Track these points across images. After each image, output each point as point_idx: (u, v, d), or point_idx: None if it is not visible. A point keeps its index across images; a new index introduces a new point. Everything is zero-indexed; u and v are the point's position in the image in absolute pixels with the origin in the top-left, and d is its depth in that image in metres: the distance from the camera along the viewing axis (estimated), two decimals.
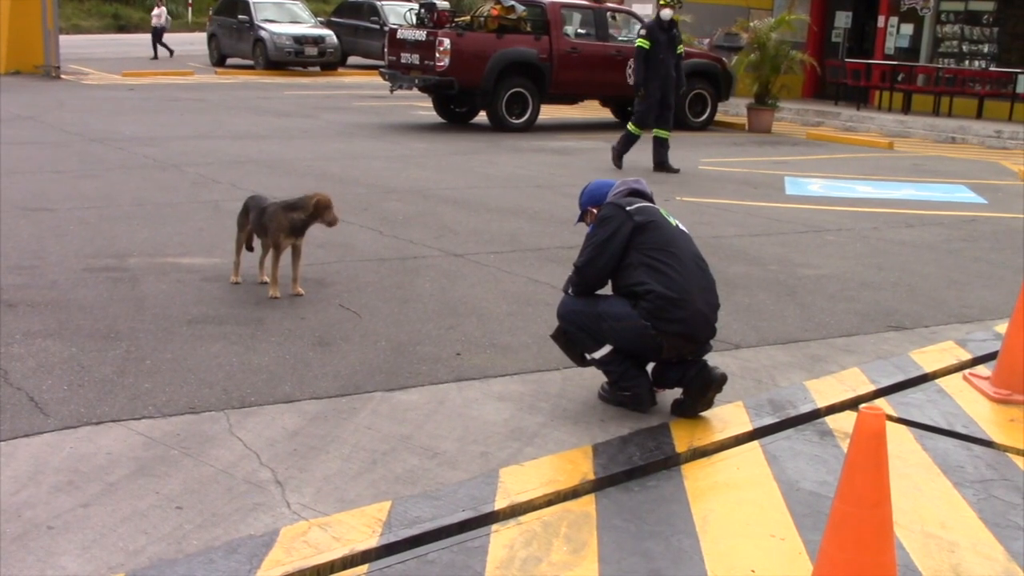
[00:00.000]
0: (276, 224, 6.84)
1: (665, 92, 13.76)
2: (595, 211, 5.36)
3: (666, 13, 13.80)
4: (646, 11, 23.69)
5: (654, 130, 13.81)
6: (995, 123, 20.16)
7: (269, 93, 22.86)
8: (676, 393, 5.23)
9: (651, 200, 5.34)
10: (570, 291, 5.33)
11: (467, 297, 7.15)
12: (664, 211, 5.27)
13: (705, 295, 5.10)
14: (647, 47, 13.66)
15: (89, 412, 4.87)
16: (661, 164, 13.79)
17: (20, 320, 6.17)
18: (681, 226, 5.29)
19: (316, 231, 7.25)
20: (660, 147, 13.84)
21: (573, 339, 5.30)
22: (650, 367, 5.27)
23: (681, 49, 14.17)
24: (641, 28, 14.47)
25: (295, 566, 3.56)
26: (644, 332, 5.00)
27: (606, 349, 5.18)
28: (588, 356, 5.29)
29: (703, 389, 5.09)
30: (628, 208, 5.11)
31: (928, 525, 4.13)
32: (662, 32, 13.73)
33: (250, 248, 7.29)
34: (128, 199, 10.10)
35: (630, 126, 13.93)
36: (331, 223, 6.94)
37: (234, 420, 4.88)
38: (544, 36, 17.81)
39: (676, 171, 13.65)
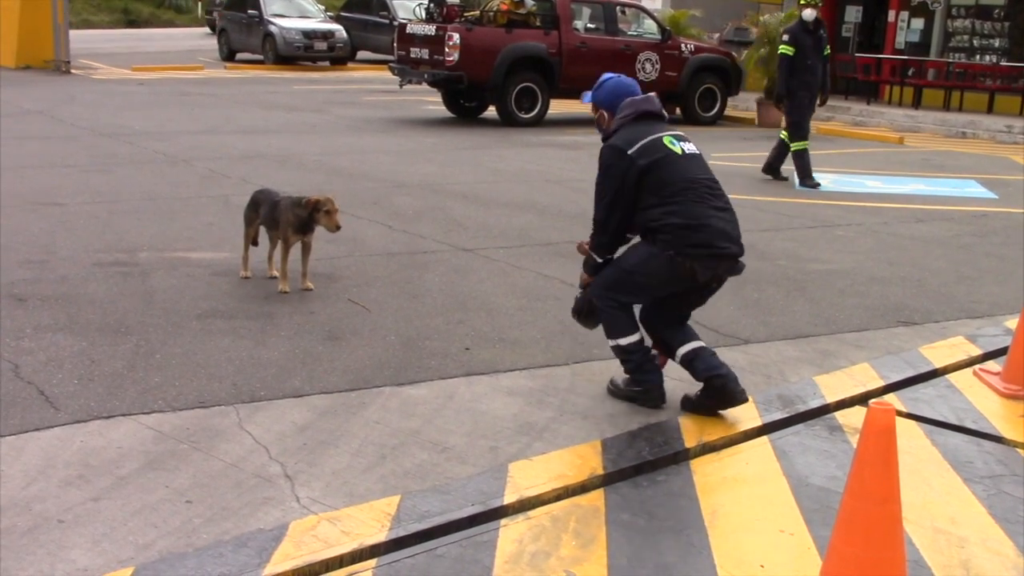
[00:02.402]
0: (285, 219, 6.85)
1: (813, 99, 12.72)
2: (605, 114, 5.29)
3: (808, 13, 12.48)
4: (655, 5, 23.68)
5: (781, 132, 12.95)
6: (1006, 118, 20.08)
7: (278, 88, 22.87)
8: (682, 388, 5.22)
9: (662, 117, 5.26)
10: (594, 255, 5.25)
11: (476, 292, 7.15)
12: (669, 138, 5.12)
13: (722, 214, 5.06)
14: (791, 54, 12.44)
15: (99, 406, 4.89)
16: (771, 167, 12.96)
17: (30, 314, 6.19)
18: (689, 148, 5.17)
19: (331, 233, 7.24)
20: (780, 152, 12.89)
21: (610, 321, 5.21)
22: (686, 348, 5.14)
23: (828, 51, 12.88)
24: (784, 33, 13.00)
25: (304, 560, 3.57)
26: (672, 261, 4.96)
27: (635, 337, 5.16)
28: (614, 342, 5.23)
29: (721, 402, 5.08)
30: (630, 152, 5.01)
31: (938, 520, 4.12)
32: (807, 35, 12.51)
33: (255, 243, 7.29)
34: (138, 194, 10.12)
35: (793, 145, 12.66)
36: (330, 228, 6.86)
37: (244, 414, 4.89)
38: (553, 31, 17.78)
39: (784, 179, 12.78)
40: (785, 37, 12.76)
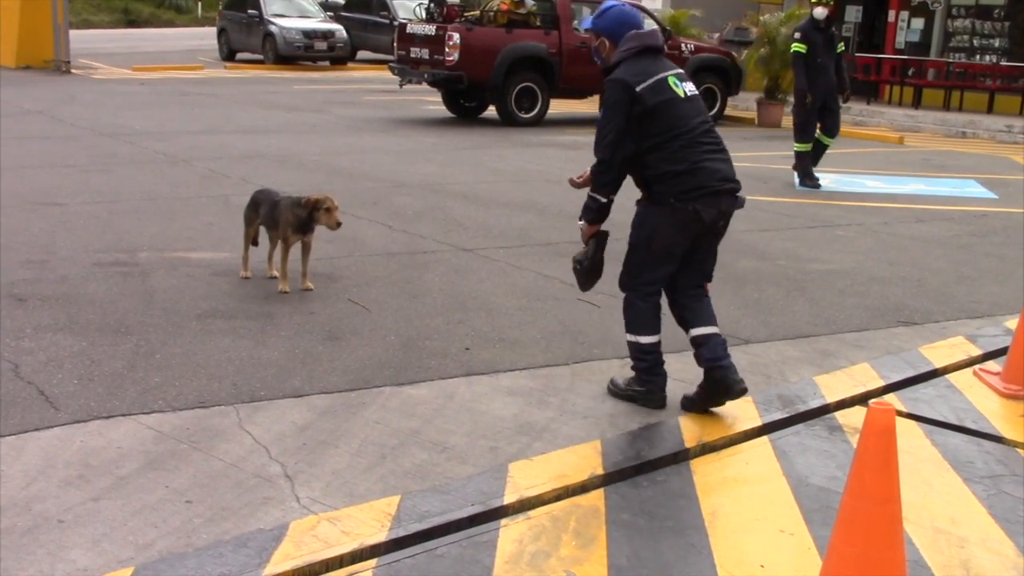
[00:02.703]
0: (285, 219, 6.85)
1: (825, 98, 12.42)
2: (606, 42, 5.23)
3: (819, 12, 12.27)
4: (655, 5, 23.67)
5: (819, 135, 12.57)
6: (1006, 118, 20.07)
7: (278, 87, 22.87)
8: (682, 388, 5.23)
9: (663, 52, 5.23)
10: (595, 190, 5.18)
11: (476, 292, 7.15)
12: (672, 78, 5.10)
13: (715, 155, 5.08)
14: (803, 51, 12.26)
15: (99, 406, 4.89)
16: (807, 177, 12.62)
17: (30, 314, 6.19)
18: (690, 90, 5.16)
19: (332, 231, 7.24)
20: (816, 151, 12.63)
21: (635, 315, 5.20)
22: (700, 331, 5.16)
23: (840, 48, 12.67)
24: (795, 31, 12.86)
25: (304, 560, 3.57)
26: (675, 209, 4.98)
27: (654, 338, 5.17)
28: (633, 338, 5.22)
29: (717, 393, 5.10)
30: (639, 89, 4.97)
31: (938, 520, 4.12)
32: (818, 33, 12.34)
33: (255, 243, 7.29)
34: (138, 194, 10.12)
35: (796, 145, 12.64)
36: (330, 226, 6.87)
37: (244, 414, 4.90)
38: (554, 31, 17.77)
39: (817, 186, 12.45)
40: (796, 35, 12.59)
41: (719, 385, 5.07)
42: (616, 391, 5.35)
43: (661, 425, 4.96)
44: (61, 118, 15.90)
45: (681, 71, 5.21)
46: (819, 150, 12.67)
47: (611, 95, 5.04)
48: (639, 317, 5.19)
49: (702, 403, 5.14)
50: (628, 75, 5.02)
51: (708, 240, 5.17)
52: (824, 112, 12.46)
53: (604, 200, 5.15)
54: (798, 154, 12.59)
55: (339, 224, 6.87)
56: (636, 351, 5.23)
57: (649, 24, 5.24)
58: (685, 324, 5.24)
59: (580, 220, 5.32)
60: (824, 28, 12.36)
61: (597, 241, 5.29)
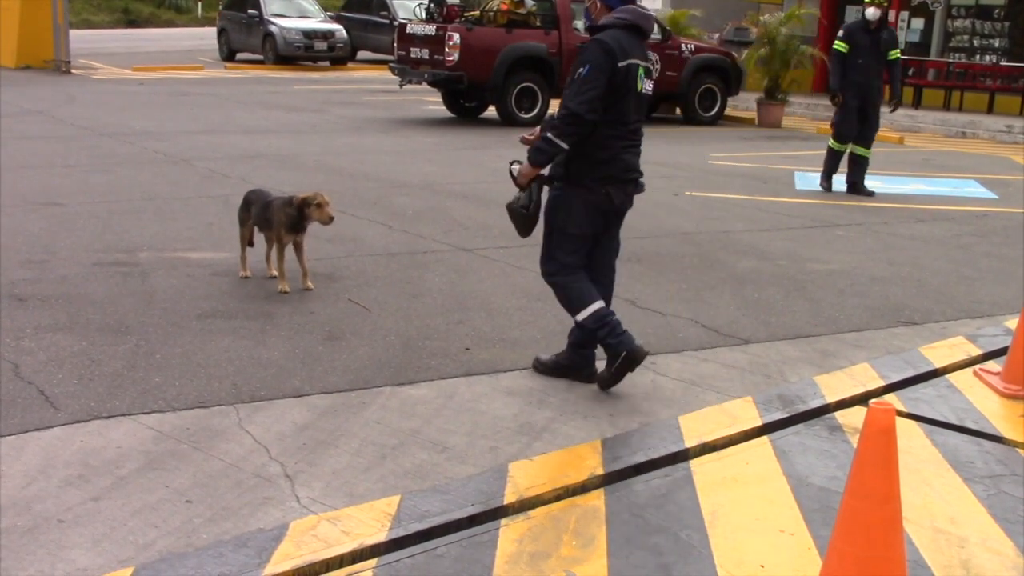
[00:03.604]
0: (277, 219, 6.86)
1: (864, 103, 12.03)
2: (598, 2, 5.34)
3: (871, 12, 11.78)
4: (655, 5, 23.66)
5: (850, 145, 12.21)
6: (1006, 118, 20.08)
7: (278, 88, 22.87)
8: (682, 388, 5.22)
9: (648, 36, 5.38)
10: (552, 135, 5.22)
11: (476, 292, 7.15)
12: (642, 71, 5.26)
13: (632, 150, 5.35)
14: (843, 50, 11.91)
15: (99, 406, 4.89)
16: (854, 185, 12.25)
17: (30, 314, 6.19)
18: (647, 88, 5.34)
19: (324, 226, 7.24)
20: (856, 166, 12.26)
21: (568, 295, 5.42)
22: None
23: (894, 55, 12.05)
24: (842, 28, 12.43)
25: (304, 560, 3.57)
26: (590, 190, 5.25)
27: (598, 303, 5.36)
28: (581, 316, 5.38)
29: (573, 374, 5.50)
30: (620, 65, 5.12)
31: (938, 520, 4.12)
32: (865, 34, 11.86)
33: (251, 243, 7.29)
34: (138, 194, 10.11)
35: (830, 142, 12.32)
36: (323, 221, 6.86)
37: (244, 414, 4.90)
38: (554, 31, 17.78)
39: (871, 194, 12.09)
40: (840, 33, 12.19)
41: (575, 367, 5.51)
42: (543, 367, 5.59)
43: (661, 425, 4.96)
44: (61, 118, 15.90)
45: (651, 66, 5.39)
46: (857, 163, 12.21)
47: (596, 55, 5.13)
48: (575, 293, 5.41)
49: (551, 370, 5.56)
50: (615, 44, 5.15)
51: (616, 222, 5.50)
52: (859, 117, 12.09)
53: (564, 147, 5.17)
54: (830, 149, 12.30)
55: (331, 219, 6.86)
56: (594, 322, 5.34)
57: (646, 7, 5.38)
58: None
59: (514, 164, 5.40)
60: (874, 30, 11.86)
61: (539, 185, 5.40)
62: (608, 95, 5.13)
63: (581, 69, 5.13)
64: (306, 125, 16.44)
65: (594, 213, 5.32)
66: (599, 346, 5.45)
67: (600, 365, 5.49)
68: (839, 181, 12.40)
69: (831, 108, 21.87)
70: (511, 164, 5.42)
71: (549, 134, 5.16)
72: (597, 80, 5.08)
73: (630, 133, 5.32)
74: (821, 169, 12.47)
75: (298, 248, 7.00)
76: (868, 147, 12.23)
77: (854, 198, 11.86)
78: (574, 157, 5.22)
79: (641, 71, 5.25)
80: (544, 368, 5.60)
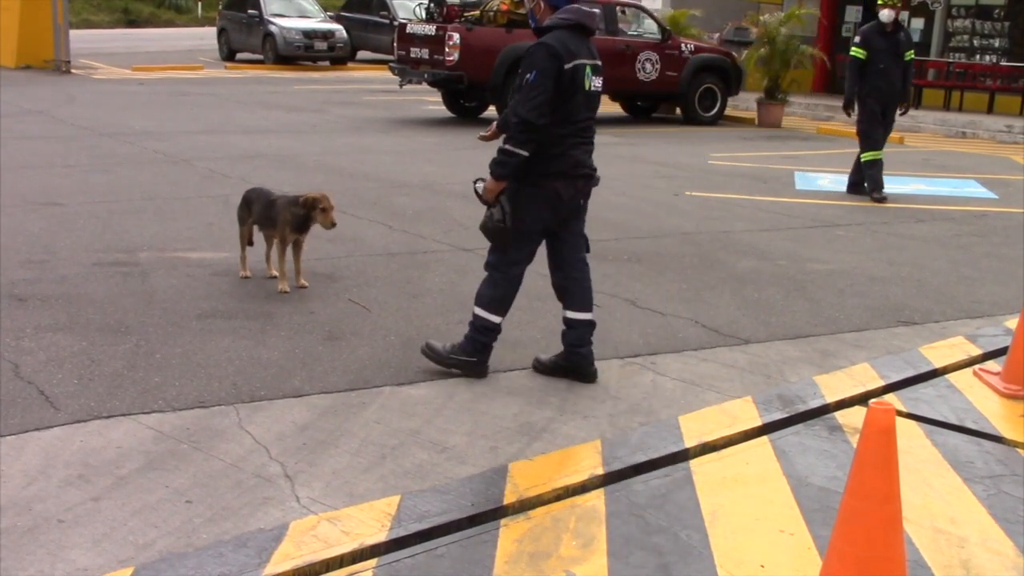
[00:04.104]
0: (283, 219, 6.85)
1: (886, 107, 11.80)
2: (541, 3, 5.39)
3: (885, 14, 11.49)
4: (655, 5, 23.66)
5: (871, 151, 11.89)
6: (1006, 118, 20.08)
7: (278, 87, 22.87)
8: (682, 387, 5.22)
9: (593, 33, 5.43)
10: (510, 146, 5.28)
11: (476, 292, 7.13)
12: (589, 70, 5.31)
13: (582, 147, 5.40)
14: (861, 57, 11.59)
15: (99, 406, 4.89)
16: (855, 186, 12.08)
17: (31, 314, 6.19)
18: (596, 86, 5.41)
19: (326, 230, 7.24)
20: (857, 167, 12.10)
21: (494, 292, 5.50)
22: (573, 315, 5.56)
23: (910, 55, 11.79)
24: (856, 34, 12.09)
25: (304, 560, 3.57)
26: (536, 186, 5.29)
27: (500, 319, 5.50)
28: (483, 313, 5.48)
29: (572, 375, 5.55)
30: (566, 67, 5.16)
31: (938, 520, 4.12)
32: (882, 37, 11.57)
33: (251, 243, 7.28)
34: (138, 193, 10.11)
35: (863, 155, 11.91)
36: (326, 225, 6.87)
37: (244, 414, 4.90)
38: None
39: (884, 199, 11.66)
40: (856, 39, 11.85)
41: (574, 368, 5.54)
42: (436, 356, 5.55)
43: (661, 425, 4.96)
44: (61, 118, 15.90)
45: (598, 63, 5.42)
46: (875, 166, 11.91)
47: (542, 60, 5.18)
48: (499, 296, 5.49)
49: (551, 371, 5.58)
50: (560, 47, 5.19)
51: (573, 217, 5.52)
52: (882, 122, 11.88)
53: (524, 155, 5.22)
54: (867, 163, 11.85)
55: (334, 224, 6.88)
56: (481, 327, 5.47)
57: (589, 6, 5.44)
58: (563, 301, 5.62)
59: (478, 182, 5.44)
60: (890, 32, 11.59)
61: (503, 201, 5.38)
62: (556, 97, 5.18)
63: (528, 75, 5.18)
64: (306, 125, 16.44)
65: (543, 209, 5.37)
66: (586, 345, 5.56)
67: (603, 368, 5.49)
68: (837, 179, 12.37)
69: (831, 108, 21.96)
70: (475, 183, 5.45)
71: (507, 145, 5.24)
72: (544, 85, 5.13)
73: (580, 131, 5.37)
74: (868, 184, 11.89)
75: (298, 247, 7.01)
76: (881, 149, 11.98)
77: (854, 198, 11.85)
78: (534, 156, 5.29)
79: (588, 70, 5.31)
80: (544, 368, 5.62)
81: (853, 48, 11.80)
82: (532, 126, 5.14)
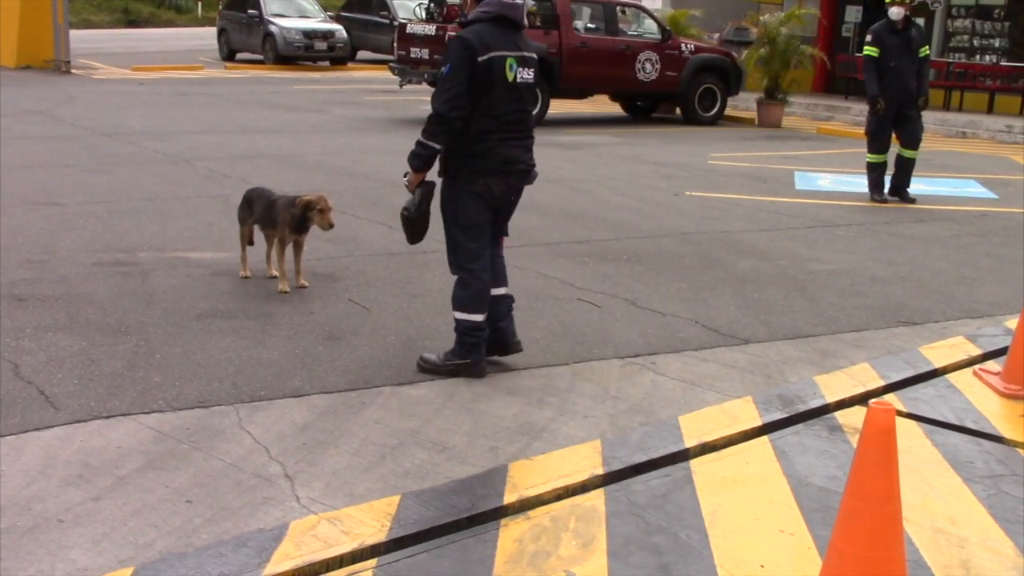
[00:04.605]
0: (282, 219, 6.85)
1: (901, 106, 11.49)
2: (470, 0, 5.47)
3: (895, 12, 11.35)
4: (655, 5, 23.67)
5: (900, 149, 11.72)
6: (1006, 118, 20.08)
7: (278, 87, 22.87)
8: (682, 387, 5.21)
9: (520, 27, 5.45)
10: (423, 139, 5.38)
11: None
12: (511, 61, 5.34)
13: (515, 142, 5.45)
14: (875, 55, 11.43)
15: (99, 406, 4.89)
16: (896, 189, 11.73)
17: (30, 314, 6.19)
18: (523, 77, 5.41)
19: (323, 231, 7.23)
20: (901, 169, 11.72)
21: (466, 293, 5.51)
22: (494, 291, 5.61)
23: (924, 52, 11.60)
24: (869, 32, 11.82)
25: (304, 560, 3.57)
26: (469, 182, 5.39)
27: (481, 316, 5.51)
28: (463, 316, 5.52)
29: (496, 351, 5.68)
30: (480, 60, 5.23)
31: (938, 520, 4.12)
32: (893, 35, 11.41)
33: (251, 242, 7.28)
34: (138, 193, 10.11)
35: (868, 156, 11.77)
36: (323, 227, 6.87)
37: (243, 414, 4.90)
38: (554, 31, 17.76)
39: (913, 200, 11.59)
40: (868, 37, 11.65)
41: (497, 342, 5.64)
42: (433, 367, 5.57)
43: (660, 425, 4.96)
44: (61, 118, 15.90)
45: (528, 55, 5.45)
46: (903, 166, 11.72)
47: (456, 53, 5.27)
48: (474, 296, 5.53)
49: (437, 369, 5.58)
50: (475, 40, 5.26)
51: (505, 210, 5.63)
52: (900, 121, 11.61)
53: (437, 148, 5.35)
54: (870, 164, 11.76)
55: (331, 226, 6.89)
56: (467, 328, 5.52)
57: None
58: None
59: (406, 175, 5.54)
60: (901, 29, 11.42)
61: (423, 191, 5.53)
62: (473, 90, 5.24)
63: (443, 69, 5.29)
64: (306, 125, 16.43)
65: (480, 204, 5.46)
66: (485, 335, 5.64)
67: (603, 368, 5.49)
68: (837, 179, 12.36)
69: (831, 108, 21.99)
70: (405, 175, 5.56)
71: (420, 138, 5.36)
72: (458, 78, 5.22)
73: (508, 125, 5.40)
74: (868, 184, 11.83)
75: (298, 247, 7.01)
76: (915, 148, 11.69)
77: (854, 198, 11.84)
78: (451, 152, 5.39)
79: (512, 62, 5.33)
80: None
81: (866, 47, 11.68)
82: (444, 119, 5.25)
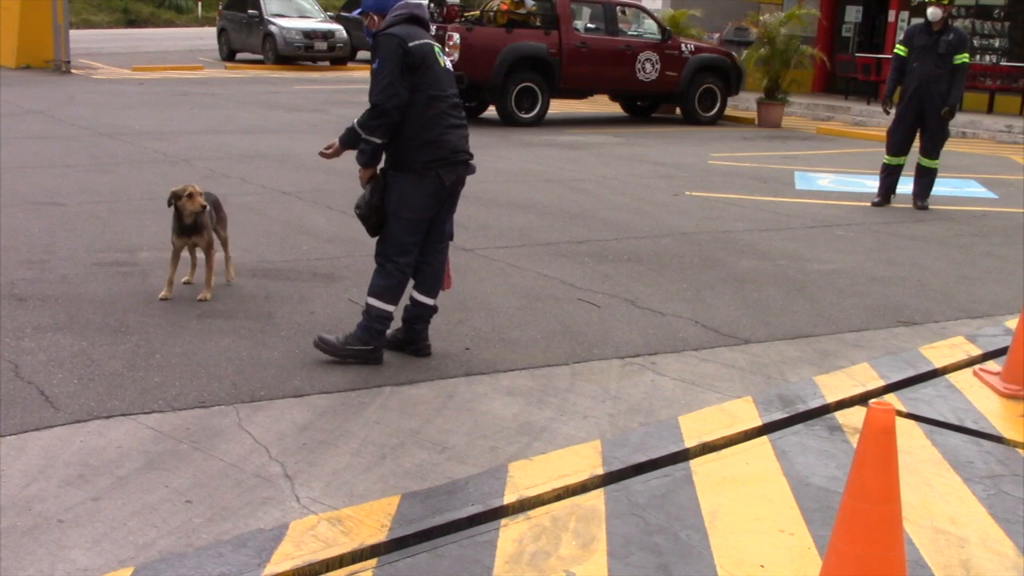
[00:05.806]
0: (172, 225, 6.68)
1: (921, 109, 11.07)
2: (375, 18, 5.56)
3: (931, 12, 10.93)
4: (655, 5, 23.67)
5: (920, 158, 11.34)
6: (1006, 118, 20.08)
7: (278, 87, 22.87)
8: (682, 387, 5.22)
9: (428, 27, 5.61)
10: (358, 126, 5.48)
11: (476, 292, 7.15)
12: (437, 48, 5.53)
13: (456, 131, 5.55)
14: (902, 54, 11.11)
15: (99, 406, 4.89)
16: (914, 198, 11.39)
17: (30, 314, 6.19)
18: (447, 62, 5.62)
19: (323, 225, 7.23)
20: (916, 176, 11.38)
21: (387, 283, 5.59)
22: (419, 296, 5.78)
23: (960, 59, 10.95)
24: (904, 32, 11.55)
25: (304, 560, 3.57)
26: (420, 175, 5.46)
27: (392, 308, 5.62)
28: (377, 303, 5.58)
29: (409, 349, 5.80)
30: (410, 45, 5.35)
31: (938, 520, 4.12)
32: (925, 36, 11.00)
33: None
34: (138, 193, 10.11)
35: (886, 158, 11.40)
36: (194, 211, 6.55)
37: (243, 414, 4.90)
38: (554, 31, 17.78)
39: (922, 208, 11.20)
40: (901, 36, 11.48)
41: (409, 341, 5.79)
42: (332, 348, 5.62)
43: (661, 424, 4.95)
44: (61, 118, 15.90)
45: (441, 47, 5.65)
46: (917, 173, 11.38)
47: (385, 47, 5.38)
48: (391, 285, 5.62)
49: (397, 347, 5.78)
50: (401, 32, 5.40)
51: (448, 204, 5.70)
52: (923, 126, 11.22)
53: (379, 142, 5.46)
54: (882, 165, 11.46)
55: (203, 207, 6.60)
56: (376, 316, 5.60)
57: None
58: (414, 280, 5.78)
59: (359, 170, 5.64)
60: (937, 31, 10.96)
61: (373, 185, 5.59)
62: (410, 76, 5.36)
63: (374, 65, 5.39)
64: (306, 125, 16.43)
65: (427, 197, 5.53)
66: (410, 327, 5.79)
67: (603, 368, 5.48)
68: (837, 179, 12.35)
69: (831, 108, 22.00)
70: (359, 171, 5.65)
71: (362, 133, 5.45)
72: (390, 68, 5.33)
73: (452, 108, 5.53)
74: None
75: (208, 255, 6.72)
76: (929, 157, 11.27)
77: (854, 198, 11.84)
78: (402, 143, 5.45)
79: (436, 48, 5.51)
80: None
81: (897, 45, 11.46)
82: (383, 110, 5.34)
